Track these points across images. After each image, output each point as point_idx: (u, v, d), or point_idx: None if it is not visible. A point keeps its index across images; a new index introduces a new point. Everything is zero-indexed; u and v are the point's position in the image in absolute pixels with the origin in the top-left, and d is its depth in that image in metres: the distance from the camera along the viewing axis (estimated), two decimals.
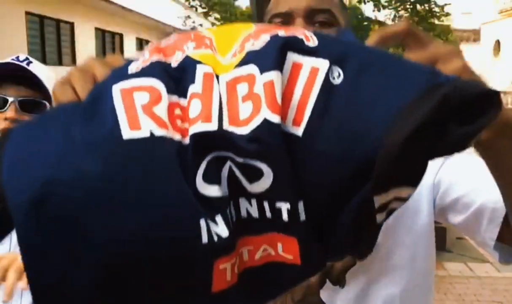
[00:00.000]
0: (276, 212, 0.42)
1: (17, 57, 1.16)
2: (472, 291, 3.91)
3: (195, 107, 0.42)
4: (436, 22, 7.96)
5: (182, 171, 0.40)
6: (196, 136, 0.41)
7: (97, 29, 12.84)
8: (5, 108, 1.11)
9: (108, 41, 13.77)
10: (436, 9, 7.63)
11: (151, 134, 0.40)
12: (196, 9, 10.51)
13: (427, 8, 7.56)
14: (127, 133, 0.40)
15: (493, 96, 0.40)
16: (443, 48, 0.50)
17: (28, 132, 0.43)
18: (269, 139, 0.40)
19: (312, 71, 0.42)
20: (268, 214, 0.42)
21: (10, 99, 1.11)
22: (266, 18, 0.89)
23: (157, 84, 0.43)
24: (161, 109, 0.42)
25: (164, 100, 0.42)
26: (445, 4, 7.62)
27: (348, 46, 0.45)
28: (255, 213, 0.43)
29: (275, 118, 0.40)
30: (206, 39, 0.47)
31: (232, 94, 0.42)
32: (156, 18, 15.24)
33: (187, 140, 0.41)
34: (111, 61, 0.50)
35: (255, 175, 0.41)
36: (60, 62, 10.71)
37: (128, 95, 0.42)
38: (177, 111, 0.42)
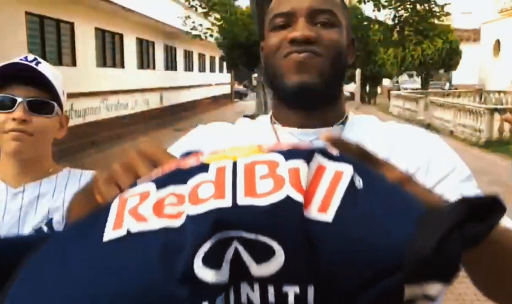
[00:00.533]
0: (282, 297, 0.41)
1: (26, 57, 1.15)
2: (473, 291, 3.91)
3: (207, 190, 0.42)
4: (436, 21, 7.96)
5: (163, 258, 0.40)
6: (204, 215, 0.40)
7: (97, 29, 12.84)
8: (14, 108, 1.10)
9: (108, 41, 13.76)
10: (436, 9, 7.63)
11: (128, 231, 0.42)
12: (196, 9, 10.50)
13: (427, 7, 7.55)
14: (107, 235, 0.43)
15: (497, 202, 0.43)
16: (397, 174, 0.52)
17: (35, 260, 0.46)
18: (289, 216, 0.39)
19: (337, 174, 0.43)
20: (272, 299, 0.41)
21: (19, 99, 1.10)
22: (268, 18, 0.89)
23: (149, 186, 0.45)
24: (145, 205, 0.43)
25: (152, 197, 0.43)
26: (445, 4, 7.62)
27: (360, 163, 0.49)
28: (256, 299, 0.41)
29: (299, 198, 0.40)
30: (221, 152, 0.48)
31: (249, 172, 0.42)
32: (156, 18, 15.23)
33: (177, 222, 0.41)
34: (151, 153, 0.52)
35: (265, 254, 0.40)
36: (60, 62, 10.71)
37: (122, 202, 0.45)
38: (170, 199, 0.43)
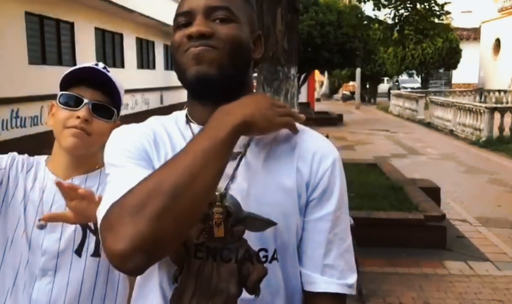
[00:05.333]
0: None
1: (96, 64, 1.27)
2: (473, 290, 3.91)
3: None
4: (436, 20, 7.93)
5: None
6: None
7: (97, 29, 12.83)
8: (79, 107, 1.22)
9: (108, 41, 13.76)
10: (436, 8, 7.59)
11: None
12: None
13: (427, 6, 7.53)
14: None
15: None
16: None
17: None
18: None
19: None
20: None
21: (85, 100, 1.22)
22: (174, 18, 0.95)
23: None
24: None
25: None
26: (445, 3, 7.59)
27: None
28: None
29: None
30: None
31: None
32: (156, 18, 15.23)
33: None
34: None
35: None
36: (60, 62, 10.71)
37: None
38: None
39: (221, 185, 0.87)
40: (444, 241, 4.83)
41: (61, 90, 1.25)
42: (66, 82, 1.25)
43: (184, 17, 0.91)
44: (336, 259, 0.92)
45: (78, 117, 1.20)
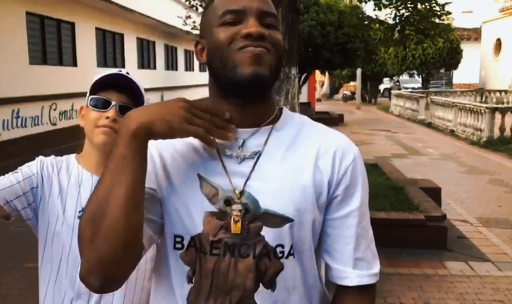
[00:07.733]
0: None
1: (120, 70, 1.43)
2: (473, 290, 3.91)
3: None
4: (437, 21, 7.92)
5: None
6: None
7: (97, 29, 12.84)
8: (108, 109, 1.38)
9: (108, 41, 13.76)
10: (437, 8, 7.59)
11: None
12: (197, 9, 10.50)
13: (428, 7, 7.53)
14: None
15: None
16: None
17: None
18: None
19: None
20: None
21: (113, 102, 1.39)
22: (214, 15, 0.93)
23: None
24: None
25: None
26: (446, 3, 7.59)
27: None
28: None
29: None
30: None
31: None
32: (156, 18, 15.23)
33: None
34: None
35: None
36: (60, 62, 10.71)
37: None
38: None
39: (240, 182, 0.90)
40: (445, 241, 4.83)
41: (90, 94, 1.41)
42: (95, 87, 1.41)
43: (233, 15, 0.90)
44: (364, 251, 0.96)
45: (107, 117, 1.36)
